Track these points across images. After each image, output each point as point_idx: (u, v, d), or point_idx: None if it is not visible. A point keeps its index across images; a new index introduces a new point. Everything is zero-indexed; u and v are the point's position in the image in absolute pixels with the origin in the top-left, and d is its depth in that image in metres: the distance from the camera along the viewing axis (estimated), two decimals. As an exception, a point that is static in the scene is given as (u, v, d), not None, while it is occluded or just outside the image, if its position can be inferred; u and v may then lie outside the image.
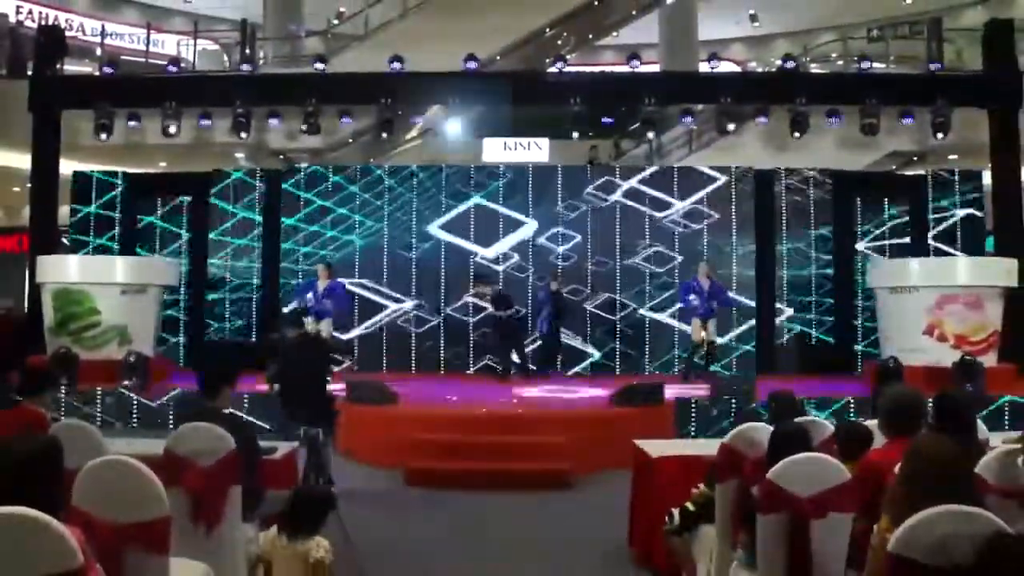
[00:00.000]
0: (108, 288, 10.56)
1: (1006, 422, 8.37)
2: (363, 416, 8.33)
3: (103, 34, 15.85)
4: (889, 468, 2.93)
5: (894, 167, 14.87)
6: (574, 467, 7.22)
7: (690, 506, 4.29)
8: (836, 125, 12.25)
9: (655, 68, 18.10)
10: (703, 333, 10.39)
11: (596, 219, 12.29)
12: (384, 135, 12.32)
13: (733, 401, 8.53)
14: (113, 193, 12.73)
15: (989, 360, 9.96)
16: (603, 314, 12.17)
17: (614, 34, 19.61)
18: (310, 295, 10.53)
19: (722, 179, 12.36)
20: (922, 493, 2.46)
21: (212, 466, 3.74)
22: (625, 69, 12.25)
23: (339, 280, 10.95)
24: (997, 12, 16.35)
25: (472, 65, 11.88)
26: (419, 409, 8.54)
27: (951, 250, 12.07)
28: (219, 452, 3.76)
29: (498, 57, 15.50)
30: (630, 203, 12.34)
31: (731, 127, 12.28)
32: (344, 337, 11.69)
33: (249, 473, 3.93)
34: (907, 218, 12.49)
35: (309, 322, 9.73)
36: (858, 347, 12.32)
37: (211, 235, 12.61)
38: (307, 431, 6.25)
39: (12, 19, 19.12)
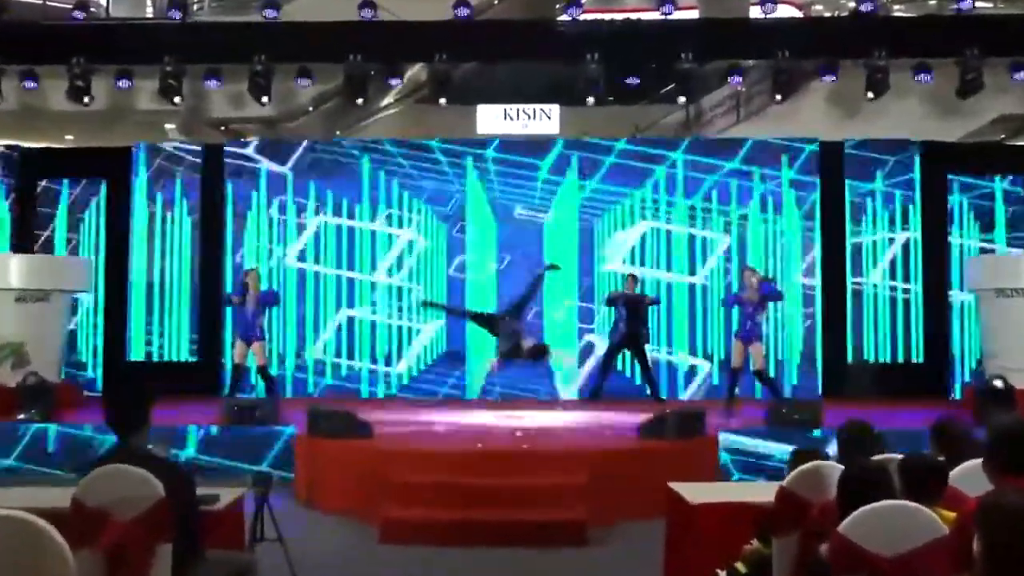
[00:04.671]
0: None
1: None
2: (327, 453, 8.32)
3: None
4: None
5: (1003, 136, 14.81)
6: (592, 517, 7.19)
7: (740, 567, 4.28)
8: (926, 81, 12.19)
9: (693, 14, 18.08)
10: (739, 357, 10.36)
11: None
12: (360, 100, 12.33)
13: (794, 433, 8.53)
14: (4, 174, 12.74)
15: None
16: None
17: (641, -28, 19.60)
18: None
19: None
20: (1012, 563, 2.43)
21: (135, 520, 3.73)
22: (655, 16, 12.25)
23: (271, 291, 11.04)
24: None
25: (464, 12, 11.88)
26: (398, 444, 8.51)
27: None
28: (144, 502, 3.75)
29: (495, 1, 15.50)
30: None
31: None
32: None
33: (183, 528, 3.92)
34: (1018, 202, 12.49)
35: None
36: (955, 365, 12.33)
37: (133, 227, 12.64)
38: (257, 474, 6.24)
39: None
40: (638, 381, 11.68)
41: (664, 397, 11.47)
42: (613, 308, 11.35)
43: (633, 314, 11.10)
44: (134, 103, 13.04)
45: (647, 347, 11.42)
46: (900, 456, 4.33)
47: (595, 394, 11.41)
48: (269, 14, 12.21)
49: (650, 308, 11.43)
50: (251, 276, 10.62)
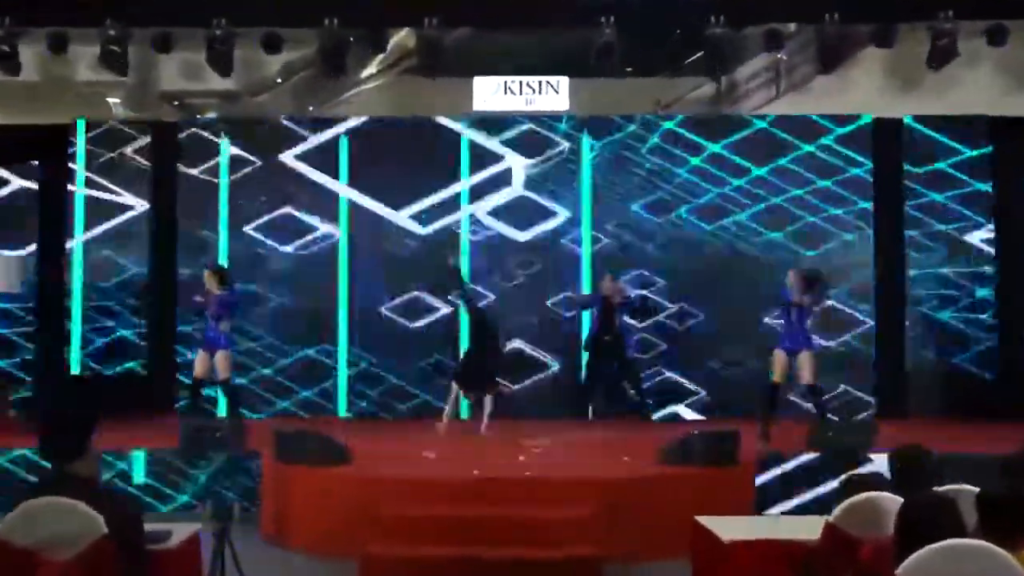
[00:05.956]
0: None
1: None
2: (299, 482, 8.34)
3: None
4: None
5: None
6: (608, 554, 7.20)
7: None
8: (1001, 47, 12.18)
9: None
10: (782, 370, 10.23)
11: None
12: (337, 72, 12.35)
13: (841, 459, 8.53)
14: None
15: None
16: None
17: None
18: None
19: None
20: None
21: (72, 561, 3.72)
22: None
23: (236, 289, 10.92)
24: None
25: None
26: (382, 471, 8.53)
27: None
28: (84, 540, 3.75)
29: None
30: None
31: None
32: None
33: (129, 570, 3.91)
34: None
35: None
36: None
37: (72, 218, 12.64)
38: (216, 504, 6.24)
39: None
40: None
41: (648, 413, 11.77)
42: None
43: (606, 318, 11.51)
44: (71, 74, 12.98)
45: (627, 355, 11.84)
46: (968, 487, 4.32)
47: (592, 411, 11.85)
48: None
49: (626, 312, 11.80)
50: (206, 275, 10.57)
